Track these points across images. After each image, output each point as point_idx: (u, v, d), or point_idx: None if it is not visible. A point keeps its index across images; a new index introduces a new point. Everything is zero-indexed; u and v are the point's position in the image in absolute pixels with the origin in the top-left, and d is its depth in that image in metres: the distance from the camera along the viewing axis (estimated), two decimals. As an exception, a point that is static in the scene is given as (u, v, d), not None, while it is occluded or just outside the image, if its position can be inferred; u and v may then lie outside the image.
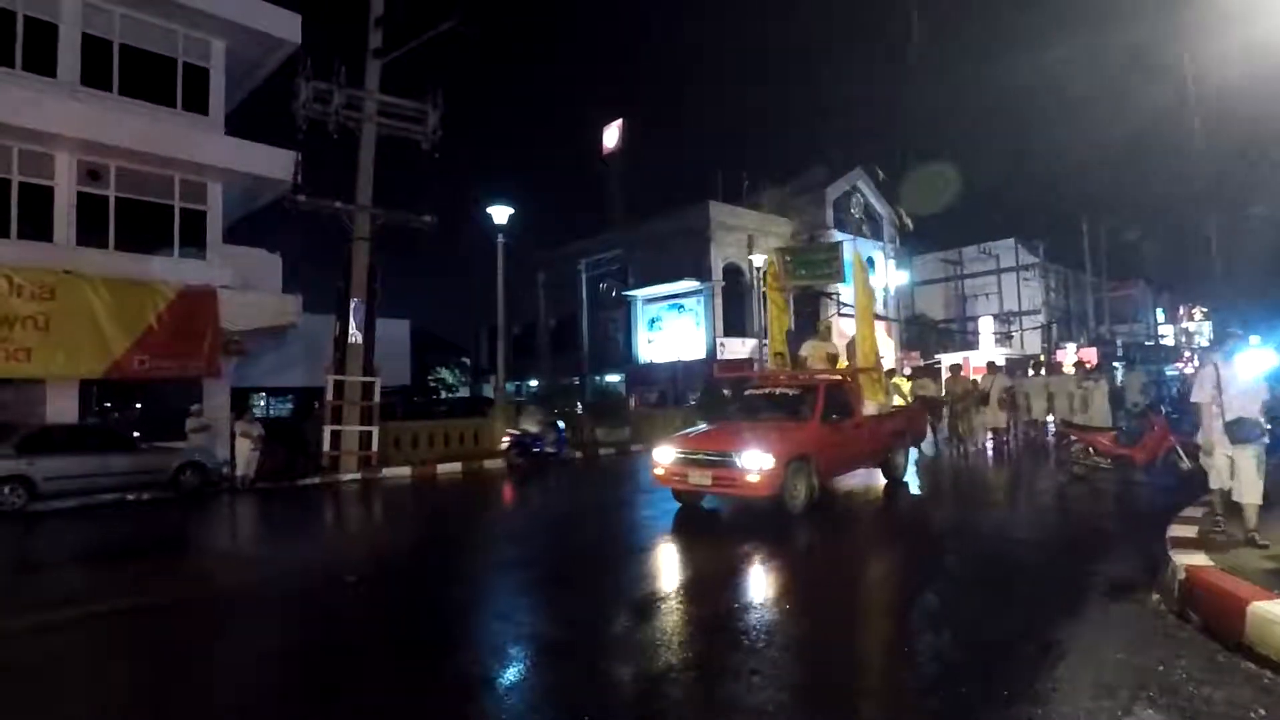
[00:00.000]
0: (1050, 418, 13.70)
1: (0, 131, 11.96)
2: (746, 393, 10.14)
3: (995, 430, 14.09)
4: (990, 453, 13.92)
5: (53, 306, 11.91)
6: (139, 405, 14.44)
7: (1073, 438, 10.58)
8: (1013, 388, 13.81)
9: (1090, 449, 10.14)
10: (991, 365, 15.12)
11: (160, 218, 13.82)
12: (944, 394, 14.08)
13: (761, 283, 27.62)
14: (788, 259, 9.82)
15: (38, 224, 12.55)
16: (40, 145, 12.46)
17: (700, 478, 7.93)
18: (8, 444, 10.27)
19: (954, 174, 34.27)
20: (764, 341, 23.35)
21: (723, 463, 7.78)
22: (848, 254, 10.20)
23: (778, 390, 9.59)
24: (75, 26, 12.81)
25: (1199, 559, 4.77)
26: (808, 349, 11.08)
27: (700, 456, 8.08)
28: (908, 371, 17.15)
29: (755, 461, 7.47)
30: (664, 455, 8.37)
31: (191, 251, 14.09)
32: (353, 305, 13.95)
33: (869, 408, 9.57)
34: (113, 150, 12.96)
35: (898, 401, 11.56)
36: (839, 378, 9.57)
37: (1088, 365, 15.99)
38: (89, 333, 12.25)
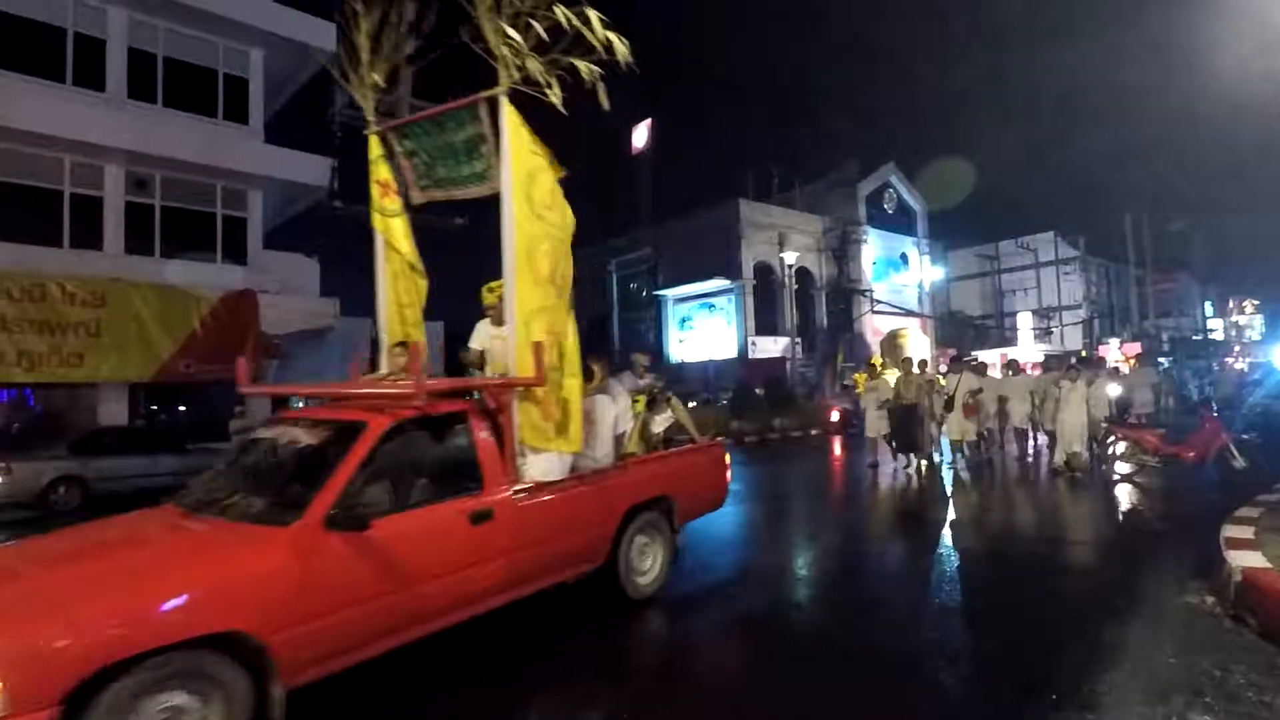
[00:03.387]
0: (1028, 424, 11.39)
1: (53, 144, 12.42)
2: (253, 436, 4.46)
3: (957, 443, 11.02)
4: (952, 472, 10.63)
5: (103, 313, 12.33)
6: (184, 408, 14.86)
7: (1117, 436, 10.31)
8: (981, 390, 10.95)
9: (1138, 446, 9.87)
10: (956, 361, 12.43)
11: (203, 225, 14.23)
12: (896, 396, 10.90)
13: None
14: (405, 144, 5.48)
15: (88, 233, 13.01)
16: (90, 157, 12.90)
17: None
18: (61, 445, 10.67)
19: (991, 167, 33.67)
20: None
21: None
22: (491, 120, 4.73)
23: (284, 439, 4.06)
24: (122, 41, 13.24)
25: (1256, 560, 4.61)
26: (478, 342, 5.33)
27: None
28: (944, 367, 15.96)
29: None
30: None
31: (233, 257, 14.49)
32: (388, 308, 14.13)
33: (541, 464, 4.37)
34: (158, 160, 13.35)
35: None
36: (451, 405, 4.30)
37: (1118, 361, 14.56)
38: (137, 337, 12.66)
